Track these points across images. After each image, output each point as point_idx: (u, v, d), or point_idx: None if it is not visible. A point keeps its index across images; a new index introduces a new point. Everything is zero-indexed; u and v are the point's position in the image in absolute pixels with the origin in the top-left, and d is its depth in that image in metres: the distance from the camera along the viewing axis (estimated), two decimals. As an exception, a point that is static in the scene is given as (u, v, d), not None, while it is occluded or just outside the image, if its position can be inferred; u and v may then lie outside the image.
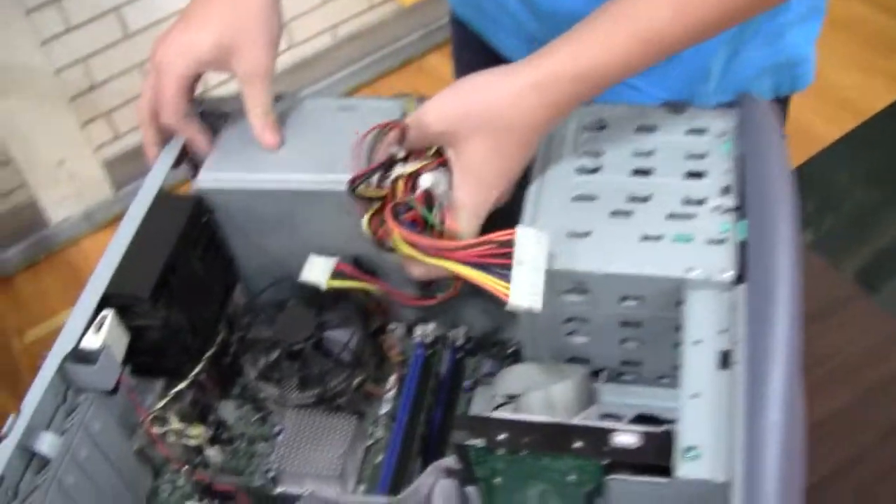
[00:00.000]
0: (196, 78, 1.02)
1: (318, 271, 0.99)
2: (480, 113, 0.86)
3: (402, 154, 0.89)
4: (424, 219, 0.88)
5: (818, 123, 2.94)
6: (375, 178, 0.90)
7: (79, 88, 2.85)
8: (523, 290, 0.83)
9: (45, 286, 2.94)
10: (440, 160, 0.90)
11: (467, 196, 0.88)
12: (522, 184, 0.93)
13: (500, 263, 0.84)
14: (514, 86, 0.86)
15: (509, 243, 0.84)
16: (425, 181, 0.88)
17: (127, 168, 2.98)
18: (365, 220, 0.90)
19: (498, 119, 0.86)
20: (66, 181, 2.95)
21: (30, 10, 2.63)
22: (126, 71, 2.88)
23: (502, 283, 0.84)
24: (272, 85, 1.02)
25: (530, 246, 0.84)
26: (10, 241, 2.97)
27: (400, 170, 0.89)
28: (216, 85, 2.50)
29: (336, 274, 0.99)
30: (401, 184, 0.89)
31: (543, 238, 0.85)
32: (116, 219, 0.93)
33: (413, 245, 0.87)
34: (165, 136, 1.06)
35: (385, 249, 0.90)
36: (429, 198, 0.88)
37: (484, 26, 1.31)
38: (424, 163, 0.89)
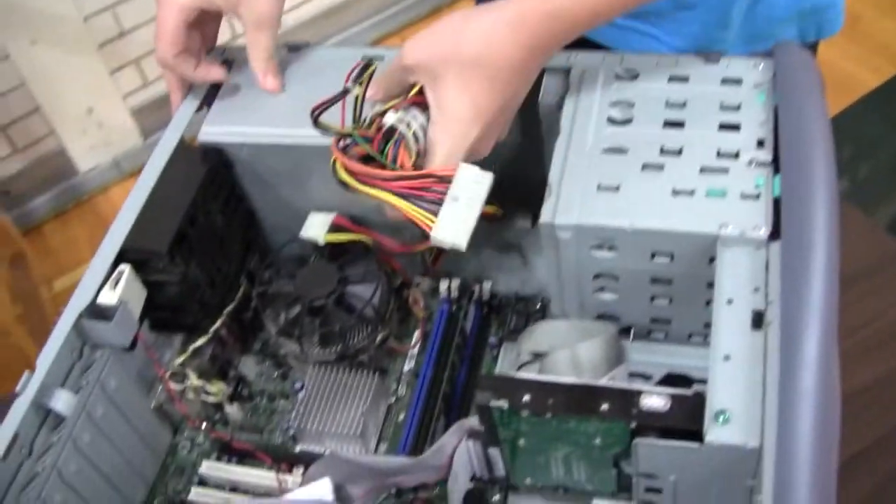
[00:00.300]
0: (200, 14, 0.99)
1: (316, 227, 0.98)
2: (452, 49, 0.83)
3: (356, 90, 0.88)
4: (369, 153, 0.85)
5: (856, 70, 2.89)
6: (349, 116, 0.89)
7: (107, 35, 2.82)
8: (449, 226, 0.81)
9: (74, 235, 2.94)
10: (414, 99, 0.87)
11: (440, 134, 0.85)
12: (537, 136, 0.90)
13: (436, 198, 0.82)
14: (486, 22, 0.83)
15: (449, 179, 0.82)
16: (389, 118, 0.86)
17: (156, 116, 2.96)
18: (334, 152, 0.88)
19: (467, 55, 0.83)
20: (95, 129, 2.94)
21: (57, -44, 2.61)
22: (155, 18, 2.85)
23: (429, 215, 0.81)
24: (277, 33, 1.00)
25: (469, 184, 0.82)
26: (38, 191, 2.96)
27: (377, 108, 0.87)
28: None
29: (332, 228, 0.98)
30: (375, 123, 0.87)
31: (486, 178, 0.82)
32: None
33: (349, 172, 0.85)
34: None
35: (339, 182, 0.87)
36: (390, 136, 0.86)
37: None
38: (396, 101, 0.87)
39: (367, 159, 0.86)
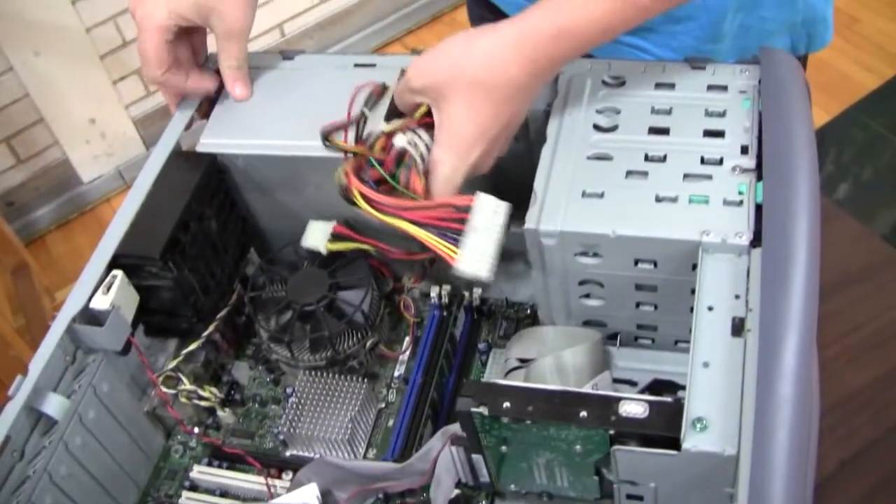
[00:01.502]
0: (179, 29, 1.01)
1: (317, 236, 0.98)
2: (457, 68, 0.85)
3: (368, 111, 0.90)
4: (385, 177, 0.87)
5: (853, 72, 2.90)
6: (352, 134, 0.90)
7: (110, 46, 2.85)
8: (472, 257, 0.83)
9: (78, 245, 2.97)
10: (423, 121, 0.89)
11: (443, 154, 0.87)
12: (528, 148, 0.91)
13: (456, 228, 0.84)
14: (489, 43, 0.85)
15: (467, 209, 0.84)
16: (399, 141, 0.88)
17: (158, 125, 2.98)
18: (339, 171, 0.89)
19: (472, 74, 0.84)
20: (98, 139, 2.97)
21: (62, -32, 2.64)
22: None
23: (451, 246, 0.83)
24: (247, 43, 1.03)
25: (487, 214, 0.84)
26: (41, 201, 3.00)
27: (381, 127, 0.88)
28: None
29: (334, 236, 0.98)
30: (379, 143, 0.88)
31: (502, 208, 0.85)
32: (149, 177, 0.97)
33: (368, 201, 0.86)
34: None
35: (350, 203, 0.89)
36: (400, 158, 0.87)
37: None
38: (405, 122, 0.88)
39: (378, 181, 0.88)
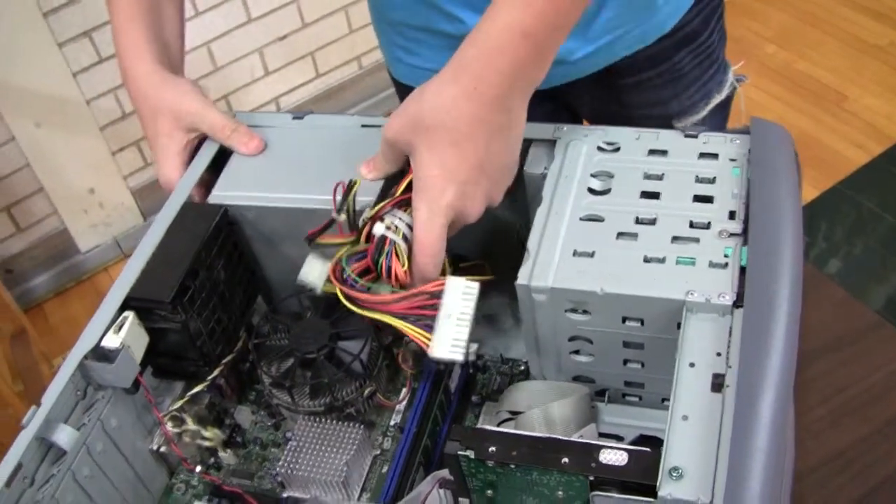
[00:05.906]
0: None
1: (315, 274, 1.00)
2: (416, 118, 0.89)
3: (342, 216, 0.95)
4: (374, 264, 0.93)
5: (843, 148, 2.96)
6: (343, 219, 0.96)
7: (110, 118, 2.92)
8: (445, 343, 0.88)
9: (75, 313, 3.02)
10: (398, 199, 0.93)
11: (418, 200, 0.90)
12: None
13: (431, 315, 0.89)
14: (434, 86, 0.89)
15: (440, 294, 0.89)
16: (377, 229, 0.92)
17: (156, 196, 2.99)
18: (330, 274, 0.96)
19: (429, 121, 0.89)
20: (96, 209, 3.04)
21: (62, 42, 2.72)
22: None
23: (425, 333, 0.88)
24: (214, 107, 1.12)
25: (457, 297, 0.88)
26: (40, 269, 3.06)
27: (365, 214, 0.94)
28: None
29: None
30: (365, 229, 0.94)
31: (473, 289, 0.89)
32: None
33: (350, 299, 0.93)
34: None
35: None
36: (382, 245, 0.92)
37: None
38: (386, 203, 0.93)
39: (363, 272, 0.93)
